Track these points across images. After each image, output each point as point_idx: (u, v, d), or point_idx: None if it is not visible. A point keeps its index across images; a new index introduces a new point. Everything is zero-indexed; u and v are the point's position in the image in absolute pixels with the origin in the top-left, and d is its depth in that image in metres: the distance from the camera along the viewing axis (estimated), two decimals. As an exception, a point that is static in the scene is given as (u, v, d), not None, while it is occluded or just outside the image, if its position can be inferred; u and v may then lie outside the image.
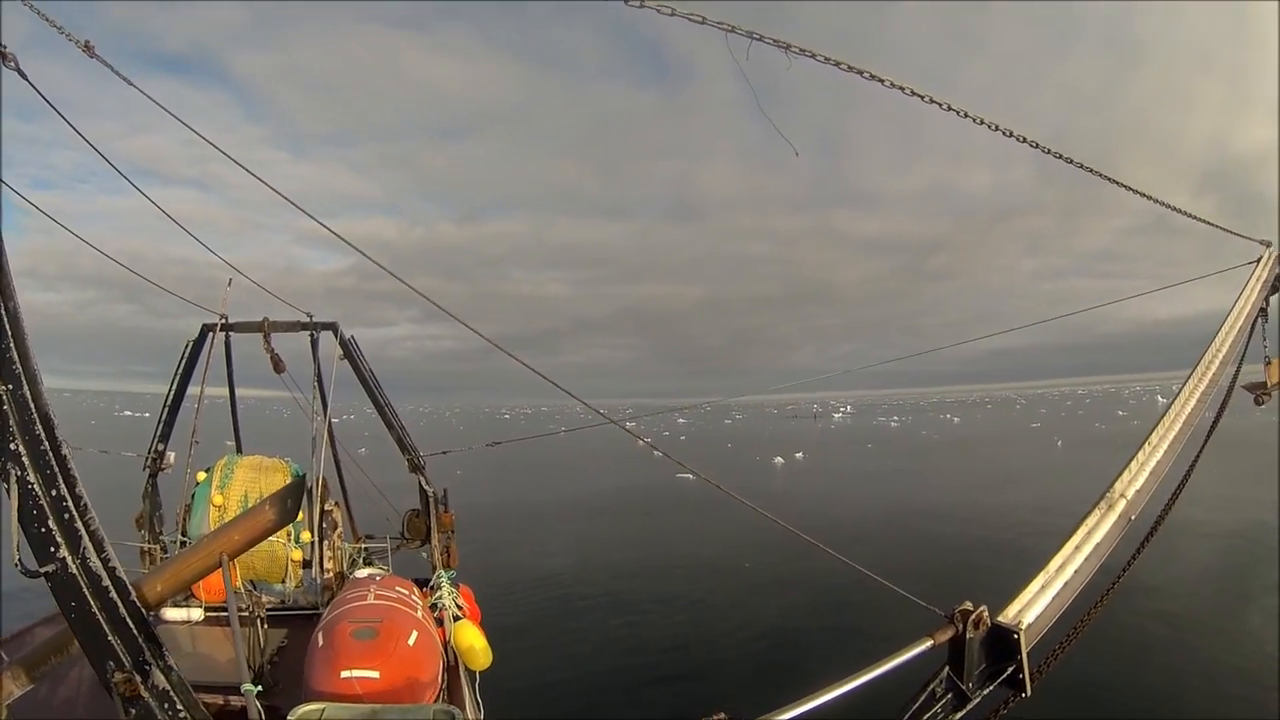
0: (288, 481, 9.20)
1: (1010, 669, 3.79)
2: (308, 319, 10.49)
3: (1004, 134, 4.54)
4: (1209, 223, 6.16)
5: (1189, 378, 5.35)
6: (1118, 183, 5.28)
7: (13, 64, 3.94)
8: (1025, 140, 4.65)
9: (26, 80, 4.36)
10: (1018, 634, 3.77)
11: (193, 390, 10.26)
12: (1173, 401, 5.23)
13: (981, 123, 4.50)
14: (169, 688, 2.61)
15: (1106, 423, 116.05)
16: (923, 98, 4.23)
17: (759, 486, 47.29)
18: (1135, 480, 4.76)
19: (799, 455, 76.51)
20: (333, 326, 10.46)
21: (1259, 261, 6.03)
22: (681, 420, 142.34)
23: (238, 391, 11.40)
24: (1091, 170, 5.05)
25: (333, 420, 10.60)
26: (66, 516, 2.50)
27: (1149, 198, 5.65)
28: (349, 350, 10.39)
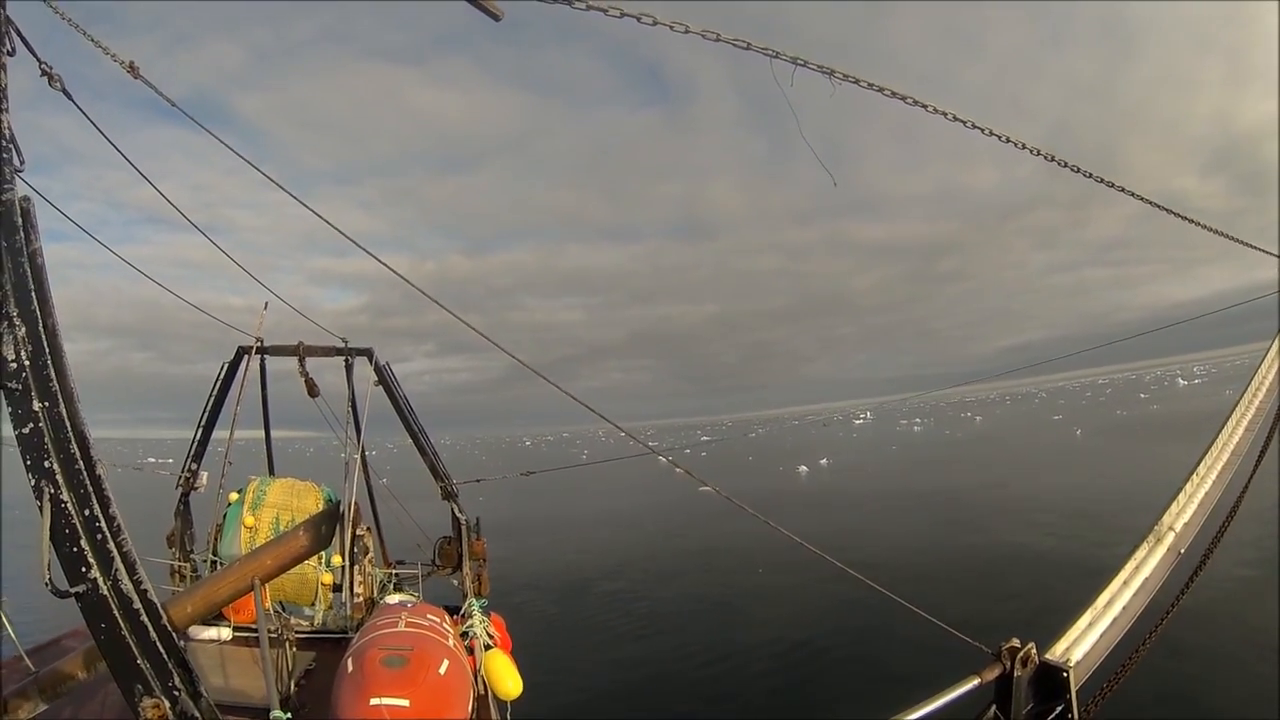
0: (319, 503, 9.23)
1: (1059, 708, 3.67)
2: (343, 344, 10.60)
3: (1019, 146, 4.43)
4: (1230, 236, 5.88)
5: (1235, 406, 5.18)
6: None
7: (59, 84, 4.00)
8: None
9: (71, 100, 4.45)
10: (1067, 672, 3.65)
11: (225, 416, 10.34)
12: (1220, 431, 5.07)
13: (1001, 138, 4.42)
14: (198, 715, 2.55)
15: (1128, 409, 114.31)
16: (963, 122, 4.16)
17: (783, 500, 46.44)
18: (1183, 513, 4.59)
19: (824, 462, 75.66)
20: (368, 352, 10.55)
21: None
22: (705, 437, 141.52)
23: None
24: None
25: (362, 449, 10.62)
26: (99, 537, 2.48)
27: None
28: (383, 375, 10.44)
